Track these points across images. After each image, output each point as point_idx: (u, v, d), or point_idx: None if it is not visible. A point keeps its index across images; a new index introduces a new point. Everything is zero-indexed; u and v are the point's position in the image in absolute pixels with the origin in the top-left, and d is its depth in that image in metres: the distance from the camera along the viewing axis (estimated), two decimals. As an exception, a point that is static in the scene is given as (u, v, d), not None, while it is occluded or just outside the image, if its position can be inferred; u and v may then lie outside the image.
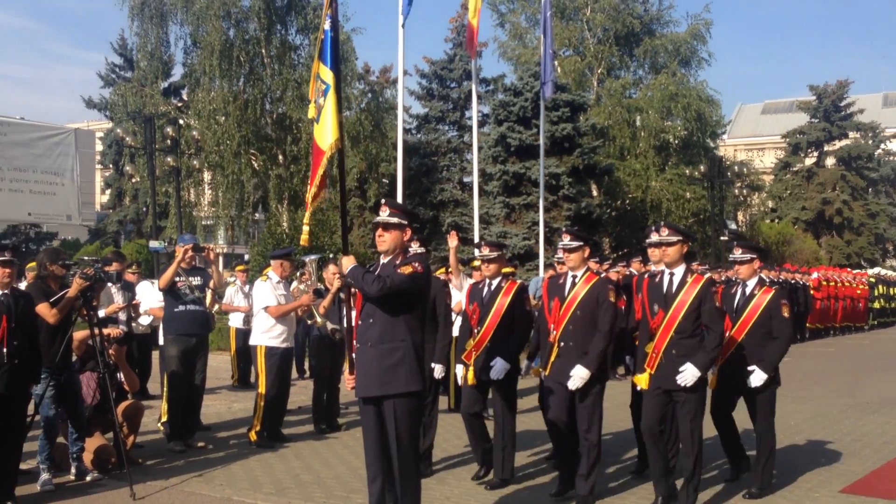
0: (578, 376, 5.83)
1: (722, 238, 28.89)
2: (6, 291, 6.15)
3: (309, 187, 5.37)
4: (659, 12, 33.21)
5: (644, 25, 32.41)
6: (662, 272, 5.77)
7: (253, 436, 8.26)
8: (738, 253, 6.45)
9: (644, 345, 5.81)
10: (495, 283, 6.65)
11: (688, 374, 5.53)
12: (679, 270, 5.69)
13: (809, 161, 44.49)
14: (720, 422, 6.53)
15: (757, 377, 6.17)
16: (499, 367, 6.40)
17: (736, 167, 33.99)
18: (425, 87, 31.68)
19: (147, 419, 9.41)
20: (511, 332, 6.51)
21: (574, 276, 6.01)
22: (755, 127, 61.39)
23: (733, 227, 31.53)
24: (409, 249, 6.41)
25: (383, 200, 5.04)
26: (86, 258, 7.11)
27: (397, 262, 4.87)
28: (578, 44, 32.55)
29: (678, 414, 5.71)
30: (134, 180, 37.78)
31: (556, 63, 30.81)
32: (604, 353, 5.97)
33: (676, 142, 31.63)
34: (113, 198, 44.17)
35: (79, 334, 7.18)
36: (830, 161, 44.23)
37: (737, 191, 33.63)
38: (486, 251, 6.63)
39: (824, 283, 22.23)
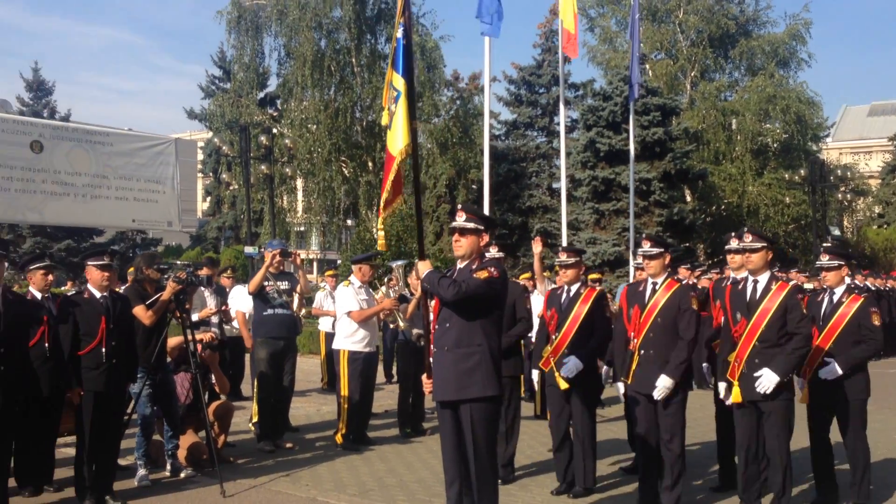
0: (663, 386, 5.75)
1: (824, 245, 27.86)
2: (105, 294, 6.44)
3: (381, 193, 5.44)
4: (755, 13, 32.38)
5: (740, 26, 31.62)
6: (746, 279, 5.63)
7: (339, 438, 8.42)
8: (825, 259, 6.23)
9: (726, 354, 5.67)
10: (574, 289, 6.59)
11: (764, 381, 5.39)
12: (763, 277, 5.54)
13: (918, 164, 42.43)
14: (817, 440, 6.25)
15: (830, 369, 5.94)
16: (570, 364, 6.35)
17: (839, 171, 32.71)
18: (513, 94, 31.67)
19: (239, 419, 9.73)
20: (589, 339, 6.44)
21: (654, 283, 5.91)
22: (861, 129, 58.89)
23: (837, 232, 30.35)
24: (487, 254, 6.48)
25: (459, 206, 5.07)
26: (178, 263, 7.39)
27: (473, 266, 4.90)
28: (671, 46, 32.00)
29: (764, 426, 5.54)
30: (231, 188, 39.09)
31: (646, 66, 30.39)
32: (687, 361, 5.85)
33: (776, 145, 30.70)
34: (213, 205, 45.73)
35: (173, 340, 7.47)
36: (941, 164, 42.07)
37: (840, 195, 32.38)
38: (563, 257, 6.58)
39: (932, 290, 21.12)
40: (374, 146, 28.00)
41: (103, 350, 6.26)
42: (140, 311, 6.90)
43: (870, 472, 6.22)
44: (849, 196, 34.31)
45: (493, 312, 4.92)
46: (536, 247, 8.93)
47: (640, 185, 22.61)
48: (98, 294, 6.41)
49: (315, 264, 41.54)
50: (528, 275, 10.56)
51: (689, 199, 27.54)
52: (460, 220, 4.97)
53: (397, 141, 5.33)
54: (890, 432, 9.31)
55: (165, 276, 7.12)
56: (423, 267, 4.95)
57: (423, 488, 6.76)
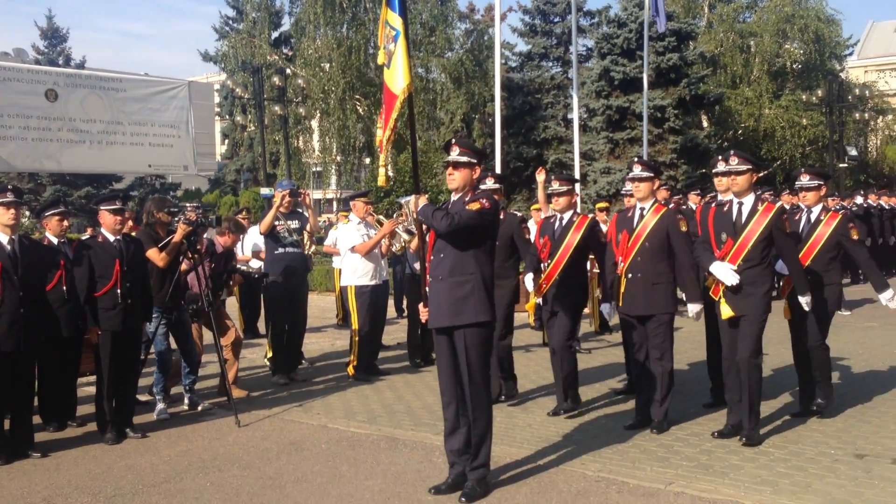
0: (694, 311, 6.08)
1: (841, 165, 27.62)
2: (118, 237, 6.68)
3: (382, 131, 5.57)
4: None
5: (758, -57, 30.88)
6: (731, 201, 5.75)
7: (351, 370, 8.72)
8: (805, 179, 6.32)
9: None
10: (567, 217, 6.73)
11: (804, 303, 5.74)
12: (748, 199, 5.66)
13: (944, 80, 41.61)
14: (799, 353, 6.48)
15: (885, 298, 6.19)
16: (607, 310, 6.57)
17: (857, 90, 32.17)
18: (528, 24, 31.29)
19: (255, 356, 10.10)
20: (581, 267, 6.61)
21: (643, 209, 6.06)
22: (888, 45, 57.35)
23: (854, 153, 30.02)
24: (483, 186, 6.63)
25: (453, 140, 5.20)
26: (188, 205, 7.59)
27: (466, 199, 5.05)
28: (688, -32, 31.35)
29: (738, 337, 5.73)
30: (248, 130, 39.18)
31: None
32: (696, 280, 6.06)
33: (797, 66, 30.18)
34: (230, 148, 45.89)
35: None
36: (967, 79, 41.24)
37: (858, 115, 31.90)
38: (555, 185, 6.70)
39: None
40: (414, 81, 27.85)
41: (118, 291, 6.52)
42: (153, 254, 7.15)
43: (830, 372, 6.50)
44: (867, 115, 33.74)
45: (486, 242, 5.09)
46: (540, 176, 9.06)
47: (655, 113, 22.49)
48: (111, 238, 6.65)
49: (335, 203, 41.75)
50: (604, 204, 10.78)
51: (705, 124, 27.30)
52: (454, 153, 5.12)
53: (398, 80, 5.43)
54: (887, 347, 9.49)
55: (176, 219, 7.33)
56: (419, 201, 5.13)
57: (429, 413, 7.04)
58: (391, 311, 11.57)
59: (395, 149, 26.93)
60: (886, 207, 17.61)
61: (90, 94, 19.16)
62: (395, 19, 5.53)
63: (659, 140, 23.09)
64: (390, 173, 24.60)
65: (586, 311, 10.83)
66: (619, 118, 23.76)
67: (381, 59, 5.65)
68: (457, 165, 5.11)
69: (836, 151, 27.15)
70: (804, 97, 27.65)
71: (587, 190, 22.89)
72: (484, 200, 5.00)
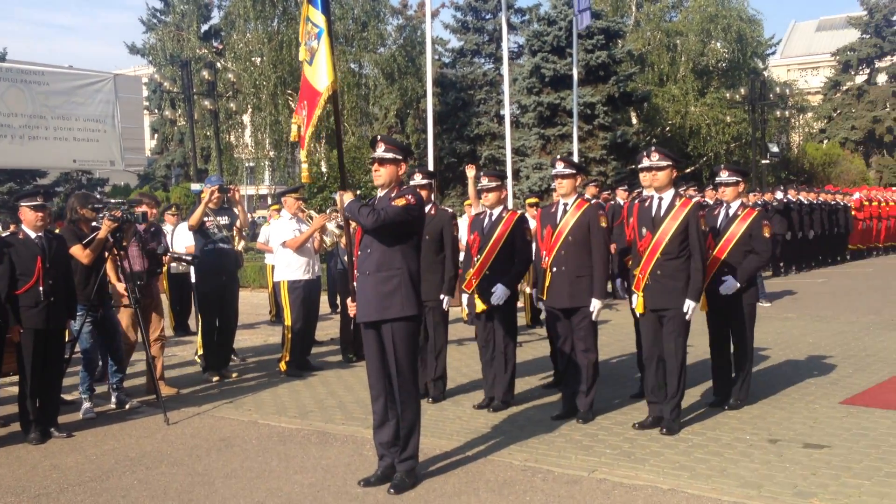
0: (597, 308, 6.21)
1: (763, 161, 28.47)
2: (40, 234, 6.56)
3: (304, 128, 5.60)
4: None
5: (685, -56, 31.58)
6: (651, 197, 5.95)
7: (283, 366, 8.71)
8: (724, 175, 6.58)
9: (634, 267, 6.02)
10: (496, 213, 6.85)
11: (686, 308, 5.82)
12: (668, 195, 5.87)
13: (860, 79, 43.21)
14: (715, 344, 6.72)
15: (728, 285, 6.39)
16: (499, 292, 6.64)
17: (778, 88, 33.21)
18: (460, 20, 31.49)
19: (186, 353, 10.00)
20: (510, 262, 6.74)
21: (566, 204, 6.23)
22: (809, 45, 59.30)
23: (775, 149, 30.98)
24: (413, 181, 6.71)
25: (379, 137, 5.27)
26: (112, 201, 7.48)
27: (392, 194, 5.12)
28: (616, -33, 31.86)
29: (664, 332, 5.94)
30: (178, 125, 38.49)
31: (592, -12, 30.29)
32: (605, 275, 6.23)
33: (722, 64, 30.98)
34: (160, 143, 45.03)
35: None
36: (882, 78, 42.91)
37: (779, 113, 32.95)
38: (485, 181, 6.81)
39: (866, 203, 21.91)
40: (338, 78, 27.69)
41: (40, 289, 6.41)
42: (77, 251, 7.03)
43: (751, 372, 6.74)
44: (787, 113, 34.91)
45: (412, 237, 5.17)
46: (470, 172, 9.19)
47: (585, 110, 22.85)
48: (33, 234, 6.53)
49: (269, 199, 41.33)
50: (534, 199, 10.88)
51: (634, 121, 27.85)
52: (379, 150, 5.18)
53: (321, 77, 5.47)
54: (805, 336, 9.87)
55: (101, 215, 7.22)
56: (345, 197, 5.19)
57: (360, 408, 7.09)
58: (325, 307, 11.57)
59: (328, 144, 26.88)
60: (805, 202, 18.26)
61: (11, 87, 18.62)
62: (317, 16, 5.57)
63: (589, 136, 23.48)
64: (323, 168, 24.56)
65: (519, 303, 11.02)
66: (550, 114, 24.08)
67: (301, 56, 5.70)
68: (382, 162, 5.18)
69: (758, 148, 27.98)
70: (728, 95, 28.44)
71: (519, 185, 23.16)
72: (410, 196, 5.08)
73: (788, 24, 64.28)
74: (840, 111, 41.79)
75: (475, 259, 6.83)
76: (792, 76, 49.00)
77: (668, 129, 29.16)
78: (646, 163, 5.97)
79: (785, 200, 17.56)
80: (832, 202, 19.64)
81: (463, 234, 8.10)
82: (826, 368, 8.05)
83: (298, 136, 5.78)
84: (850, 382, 7.40)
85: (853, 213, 20.89)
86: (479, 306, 6.77)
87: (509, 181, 16.23)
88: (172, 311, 11.92)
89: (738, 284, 6.40)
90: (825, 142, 38.91)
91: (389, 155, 5.17)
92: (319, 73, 5.44)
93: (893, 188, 27.80)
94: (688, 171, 27.34)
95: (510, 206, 14.71)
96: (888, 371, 7.84)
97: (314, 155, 26.25)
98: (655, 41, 29.63)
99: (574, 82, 18.89)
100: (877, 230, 22.57)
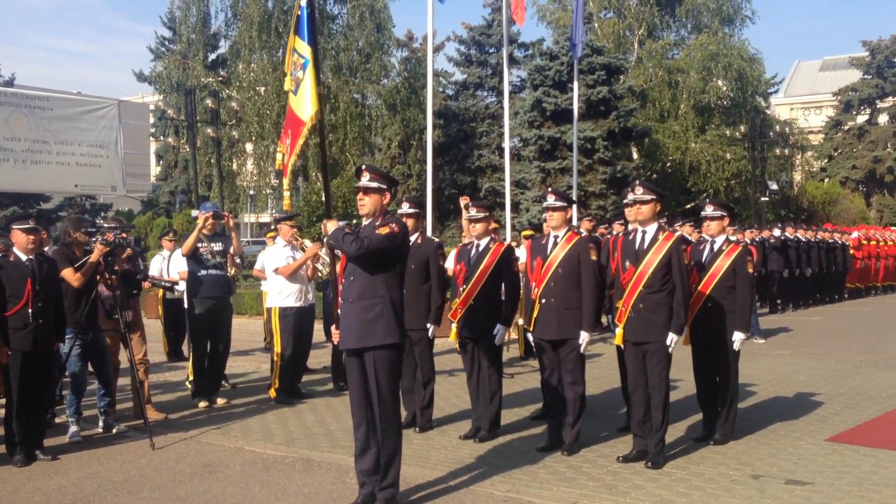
0: (584, 341, 6.22)
1: (763, 198, 28.56)
2: (31, 257, 6.61)
3: (287, 157, 5.67)
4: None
5: (687, -16, 31.94)
6: (636, 230, 6.00)
7: (272, 393, 8.71)
8: (709, 210, 6.62)
9: (617, 300, 6.05)
10: (483, 243, 6.89)
11: (671, 342, 5.87)
12: (651, 228, 5.93)
13: (862, 119, 43.46)
14: (701, 378, 6.72)
15: (737, 339, 6.42)
16: (500, 333, 6.72)
17: (778, 126, 33.40)
18: (463, 54, 31.81)
19: (178, 378, 10.02)
20: (496, 293, 6.78)
21: (556, 237, 6.28)
22: (813, 84, 59.67)
23: (775, 187, 31.10)
24: (401, 210, 6.77)
25: (363, 167, 5.32)
26: (105, 225, 7.54)
27: (377, 223, 5.17)
28: (619, 5, 32.21)
29: (647, 366, 5.95)
30: (183, 152, 38.74)
31: (595, 25, 30.61)
32: (595, 308, 6.26)
33: (725, 102, 31.19)
34: (164, 169, 45.28)
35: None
36: (883, 118, 43.16)
37: (778, 151, 33.11)
38: (473, 212, 6.86)
39: (865, 242, 21.95)
40: (323, 109, 27.91)
41: (29, 311, 6.45)
42: (68, 274, 7.07)
43: (736, 406, 6.75)
44: (787, 151, 35.10)
45: (395, 266, 5.21)
46: (463, 202, 9.23)
47: (585, 144, 22.96)
48: (24, 257, 6.58)
49: (273, 226, 41.40)
50: (529, 231, 10.94)
51: (635, 156, 27.99)
52: (364, 179, 5.24)
53: (306, 107, 5.56)
54: (797, 374, 9.86)
55: (93, 239, 7.28)
56: (330, 225, 5.24)
57: (346, 436, 7.04)
58: (319, 335, 11.58)
59: (330, 173, 27.00)
60: (803, 240, 18.29)
61: (15, 112, 18.79)
62: (303, 47, 5.67)
63: (589, 170, 23.57)
64: (323, 197, 24.65)
65: (514, 335, 11.03)
66: (550, 148, 24.19)
67: (287, 86, 5.80)
68: (367, 191, 5.23)
69: (758, 185, 28.07)
70: (728, 132, 28.59)
71: (519, 217, 23.22)
72: (394, 225, 5.13)
73: (793, 63, 64.76)
74: (841, 150, 41.99)
75: (461, 289, 6.86)
76: (795, 115, 49.26)
77: (668, 164, 29.28)
78: (630, 197, 6.03)
79: (783, 238, 17.60)
80: (830, 240, 19.67)
81: (450, 263, 8.15)
82: (814, 406, 8.03)
83: (283, 165, 5.85)
84: (838, 420, 7.39)
85: (851, 251, 20.92)
86: (452, 336, 6.83)
87: (507, 213, 16.31)
88: (166, 336, 11.95)
89: (744, 335, 6.44)
90: (826, 180, 39.03)
91: (374, 184, 5.22)
92: (304, 103, 5.53)
93: (892, 227, 27.84)
94: (688, 206, 27.42)
95: (508, 238, 14.86)
96: (876, 409, 7.83)
97: (314, 184, 26.41)
98: (657, 78, 29.84)
99: (574, 117, 19.01)
100: (875, 269, 22.57)
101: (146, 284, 8.76)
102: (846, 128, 43.10)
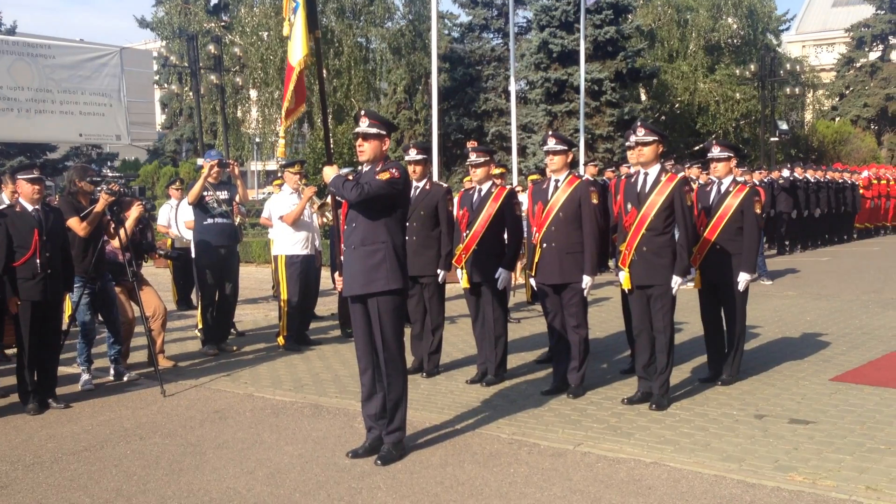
0: (587, 285, 6.23)
1: (772, 139, 28.29)
2: (37, 207, 6.63)
3: (282, 102, 5.63)
4: None
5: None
6: (638, 172, 5.96)
7: (281, 340, 8.79)
8: (715, 151, 6.55)
9: (620, 243, 6.04)
10: (485, 188, 6.87)
11: (675, 284, 5.85)
12: (653, 170, 5.88)
13: (874, 55, 42.68)
14: (708, 320, 6.74)
15: (742, 280, 6.41)
16: (503, 277, 6.73)
17: (789, 65, 32.88)
18: (469, -6, 31.21)
19: (188, 327, 10.11)
20: (499, 237, 6.77)
21: (557, 181, 6.24)
22: (825, 21, 58.33)
23: (784, 126, 30.74)
24: (407, 156, 6.74)
25: (362, 112, 5.27)
26: (110, 175, 7.53)
27: (377, 168, 5.15)
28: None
29: (652, 309, 5.96)
30: (188, 100, 38.45)
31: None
32: (597, 252, 6.25)
33: (735, 41, 30.67)
34: (169, 117, 45.05)
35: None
36: (896, 55, 42.34)
37: (789, 90, 32.63)
38: (473, 156, 6.82)
39: (875, 181, 21.78)
40: (327, 52, 27.61)
41: (38, 261, 6.49)
42: (74, 223, 7.09)
43: (743, 346, 6.77)
44: (797, 90, 34.59)
45: (396, 211, 5.20)
46: (470, 146, 9.18)
47: (592, 86, 22.72)
48: (30, 207, 6.60)
49: (279, 174, 41.31)
50: (536, 176, 10.89)
51: (643, 97, 27.68)
52: (363, 125, 5.19)
53: (296, 51, 5.50)
54: (804, 314, 9.88)
55: (98, 189, 7.28)
56: (330, 172, 5.22)
57: (354, 381, 7.07)
58: (326, 282, 11.62)
59: (335, 120, 26.82)
60: (812, 181, 18.16)
61: (18, 61, 18.65)
62: None
63: (596, 113, 23.37)
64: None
65: (520, 280, 11.05)
66: (557, 91, 23.96)
67: (285, 32, 5.73)
68: (366, 137, 5.19)
69: (767, 125, 27.78)
70: (738, 72, 28.20)
71: (526, 162, 23.10)
72: (394, 170, 5.10)
73: (803, -1, 63.37)
74: (852, 88, 41.31)
75: (464, 234, 6.86)
76: (807, 52, 48.40)
77: (676, 105, 28.96)
78: (632, 139, 5.97)
79: (791, 178, 17.46)
80: (839, 180, 19.52)
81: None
82: (820, 346, 8.06)
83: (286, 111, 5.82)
84: (843, 360, 7.42)
85: (861, 191, 20.77)
86: (464, 282, 6.83)
87: (514, 157, 16.21)
88: (175, 285, 12.01)
89: (750, 276, 6.43)
90: (836, 119, 38.53)
91: (373, 130, 5.18)
92: (294, 47, 5.48)
93: (903, 166, 27.59)
94: (696, 148, 27.19)
95: (515, 182, 14.79)
96: (882, 349, 7.85)
97: (320, 131, 26.25)
98: (665, 16, 29.35)
99: (581, 58, 18.78)
100: (885, 209, 22.44)
101: (154, 256, 8.83)
102: (858, 65, 42.34)
